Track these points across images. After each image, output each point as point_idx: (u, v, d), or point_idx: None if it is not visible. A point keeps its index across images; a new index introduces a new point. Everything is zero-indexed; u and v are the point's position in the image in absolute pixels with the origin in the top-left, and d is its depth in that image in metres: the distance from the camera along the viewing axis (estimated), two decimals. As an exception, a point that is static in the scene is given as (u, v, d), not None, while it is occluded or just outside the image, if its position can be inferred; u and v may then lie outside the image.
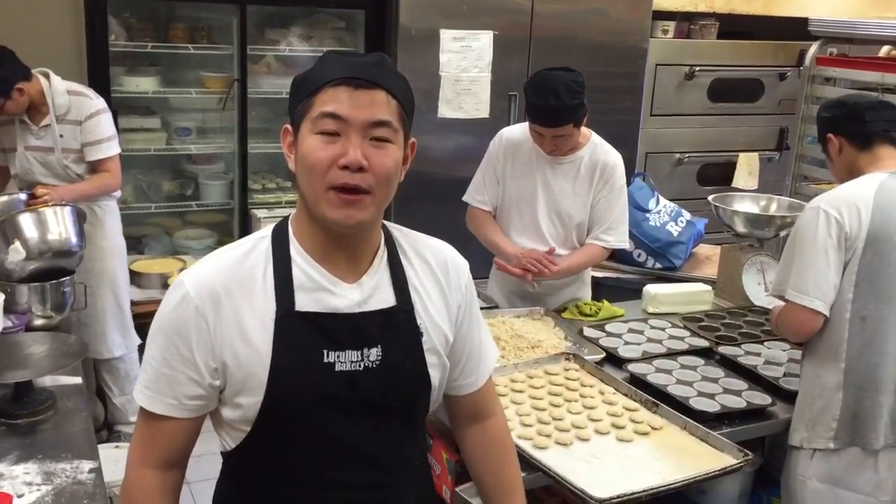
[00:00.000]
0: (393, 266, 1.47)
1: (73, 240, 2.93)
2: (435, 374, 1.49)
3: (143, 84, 4.19)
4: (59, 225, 2.91)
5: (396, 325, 1.44)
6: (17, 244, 2.74)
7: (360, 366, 1.40)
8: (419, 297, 1.48)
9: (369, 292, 1.43)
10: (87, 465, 1.94)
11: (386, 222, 1.51)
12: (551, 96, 2.69)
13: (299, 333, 1.37)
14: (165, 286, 3.99)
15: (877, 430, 2.22)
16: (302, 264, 1.40)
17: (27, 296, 2.65)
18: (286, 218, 1.46)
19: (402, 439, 1.50)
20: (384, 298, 1.44)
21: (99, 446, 2.13)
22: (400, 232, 1.53)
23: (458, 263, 1.56)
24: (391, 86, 1.35)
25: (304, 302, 1.38)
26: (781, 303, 2.33)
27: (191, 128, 4.48)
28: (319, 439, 1.40)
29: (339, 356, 1.39)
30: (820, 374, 2.29)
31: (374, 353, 1.41)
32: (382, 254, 1.46)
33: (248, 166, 4.47)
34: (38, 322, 2.67)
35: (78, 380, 2.35)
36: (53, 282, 2.69)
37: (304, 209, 1.41)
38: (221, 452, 1.51)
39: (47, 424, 2.13)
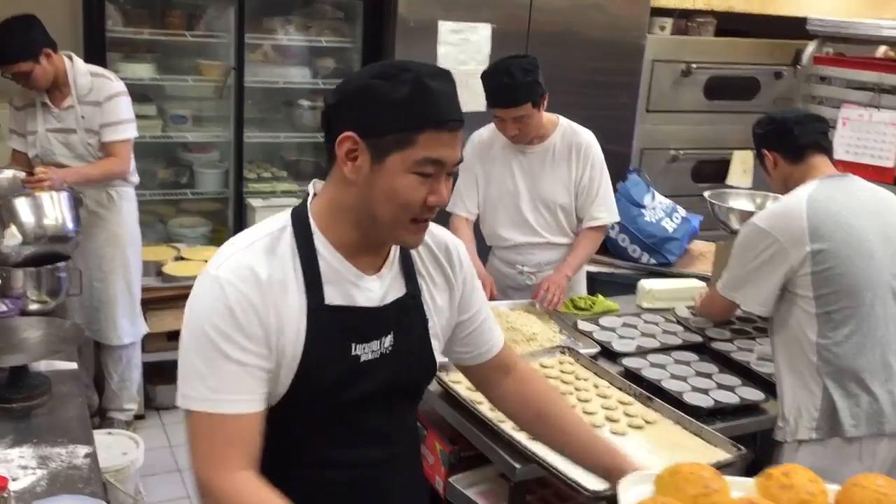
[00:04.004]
0: (404, 255, 1.51)
1: (69, 225, 2.92)
2: (438, 357, 1.56)
3: (139, 71, 4.17)
4: (56, 210, 2.89)
5: (407, 313, 1.48)
6: (13, 228, 2.73)
7: (378, 354, 1.44)
8: (425, 284, 1.53)
9: (389, 283, 1.47)
10: (82, 449, 1.94)
11: None
12: (504, 76, 2.76)
13: (329, 327, 1.39)
14: (159, 274, 3.98)
15: (857, 419, 2.27)
16: (328, 258, 1.40)
17: (22, 280, 2.64)
18: (303, 209, 1.43)
19: (405, 416, 1.59)
20: (398, 288, 1.48)
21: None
22: None
23: (457, 244, 1.61)
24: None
25: (332, 295, 1.40)
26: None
27: (187, 116, 4.46)
28: (332, 423, 1.44)
29: (364, 348, 1.42)
30: (795, 368, 2.36)
31: (388, 340, 1.46)
32: (396, 245, 1.50)
33: (244, 155, 4.46)
34: (33, 307, 2.65)
35: (73, 365, 2.34)
36: (49, 266, 2.68)
37: (339, 208, 1.40)
38: None
39: (42, 409, 2.12)
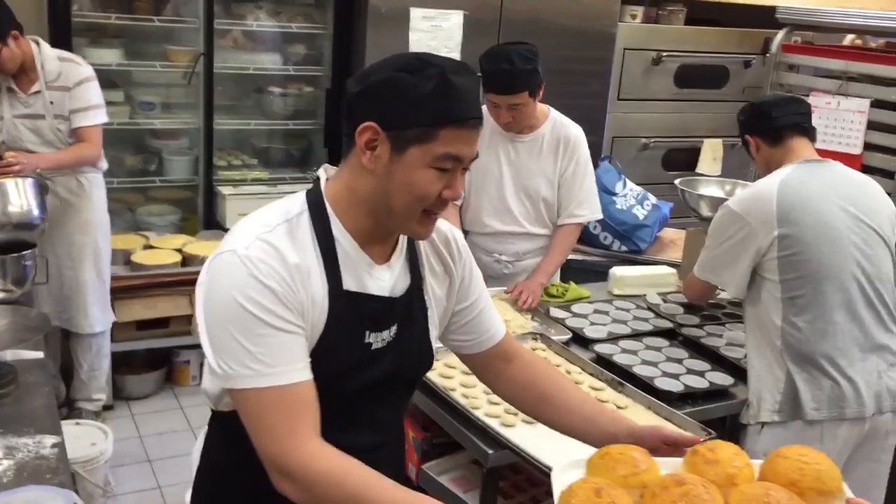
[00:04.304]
0: (410, 247, 1.52)
1: (35, 212, 2.87)
2: (435, 345, 1.59)
3: (106, 56, 4.10)
4: (21, 197, 2.85)
5: (410, 303, 1.51)
6: (-23, 216, 2.69)
7: (385, 342, 1.47)
8: (427, 275, 1.55)
9: (398, 273, 1.49)
10: (49, 439, 1.91)
11: None
12: (504, 62, 2.73)
13: (347, 312, 1.41)
14: (128, 262, 3.94)
15: (818, 403, 2.30)
16: (344, 244, 1.42)
17: (-13, 269, 2.60)
18: (317, 193, 1.43)
19: (401, 405, 1.63)
20: (405, 279, 1.51)
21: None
22: None
23: (456, 234, 1.62)
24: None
25: (349, 281, 1.42)
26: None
27: (155, 102, 4.40)
28: (337, 409, 1.43)
29: (376, 336, 1.45)
30: (762, 351, 2.39)
31: (394, 329, 1.48)
32: (404, 237, 1.51)
33: (214, 143, 4.41)
34: (-1, 296, 2.62)
35: (40, 354, 2.31)
36: (14, 255, 2.63)
37: (355, 195, 1.40)
38: (212, 409, 1.52)
39: (8, 399, 2.09)
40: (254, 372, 1.31)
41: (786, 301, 2.32)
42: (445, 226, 1.60)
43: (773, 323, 2.34)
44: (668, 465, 1.38)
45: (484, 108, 2.96)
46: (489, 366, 1.72)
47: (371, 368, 1.46)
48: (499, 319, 1.72)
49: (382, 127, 1.34)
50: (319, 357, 1.38)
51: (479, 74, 2.81)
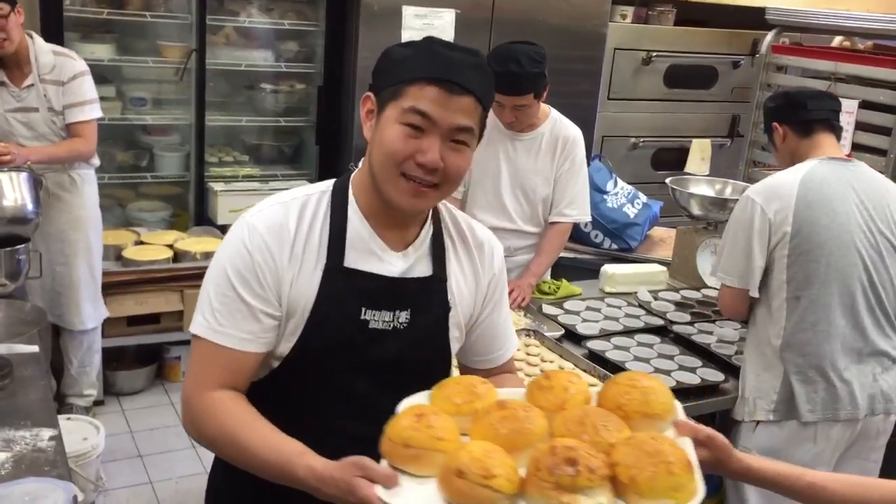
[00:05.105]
0: (436, 239, 1.53)
1: (29, 206, 2.87)
2: (454, 348, 1.58)
3: (98, 52, 4.09)
4: (15, 191, 2.84)
5: (429, 294, 1.51)
6: (-29, 210, 2.68)
7: (390, 326, 1.47)
8: (453, 273, 1.54)
9: (413, 262, 1.49)
10: (46, 432, 1.91)
11: None
12: (513, 63, 2.73)
13: (342, 288, 1.43)
14: (119, 258, 3.93)
15: (813, 404, 2.32)
16: (357, 225, 1.46)
17: (-20, 263, 2.60)
18: (346, 177, 1.50)
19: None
20: (423, 268, 1.51)
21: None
22: (446, 209, 1.58)
23: (494, 246, 1.62)
24: (479, 91, 1.39)
25: (352, 260, 1.44)
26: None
27: (146, 98, 4.39)
28: (337, 388, 1.45)
29: (374, 315, 1.46)
30: (761, 350, 2.40)
31: (404, 316, 1.48)
32: (429, 228, 1.52)
33: (205, 139, 4.40)
34: (-8, 290, 2.62)
35: (35, 348, 2.30)
36: (7, 249, 2.64)
37: (368, 176, 1.44)
38: None
39: (3, 392, 2.08)
40: (207, 324, 1.42)
41: (790, 300, 2.32)
42: (487, 234, 1.61)
43: (775, 322, 2.35)
44: (507, 395, 1.41)
45: None
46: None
47: (369, 348, 1.46)
48: (510, 348, 1.69)
49: (374, 94, 1.42)
50: (312, 329, 1.43)
51: (486, 57, 2.80)
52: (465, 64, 1.37)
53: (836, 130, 2.49)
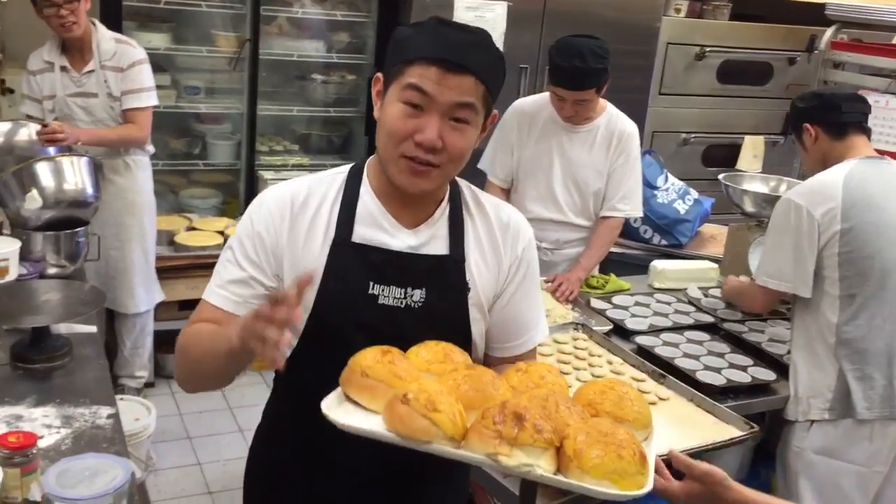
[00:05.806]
0: (453, 218, 1.51)
1: (89, 190, 2.93)
2: (476, 330, 1.52)
3: (154, 40, 4.16)
4: (76, 175, 2.90)
5: (444, 273, 1.48)
6: (34, 192, 2.74)
7: (402, 303, 1.46)
8: (472, 253, 1.51)
9: (425, 240, 1.48)
10: (105, 410, 1.96)
11: (459, 179, 1.55)
12: (577, 58, 2.72)
13: (350, 263, 1.45)
14: (171, 243, 4.00)
15: (870, 402, 2.29)
16: (368, 202, 1.48)
17: (42, 244, 2.66)
18: (364, 160, 1.53)
19: None
20: (438, 247, 1.49)
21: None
22: (469, 189, 1.57)
23: (521, 227, 1.58)
24: (481, 70, 1.38)
25: (361, 235, 1.46)
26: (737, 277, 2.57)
27: (200, 87, 4.46)
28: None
29: (383, 290, 1.45)
30: (814, 349, 2.38)
31: (418, 294, 1.47)
32: (445, 207, 1.51)
33: (257, 128, 4.46)
34: (52, 271, 2.67)
35: (93, 328, 2.36)
36: (68, 231, 2.70)
37: (378, 157, 1.47)
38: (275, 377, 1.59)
39: (63, 370, 2.14)
40: (209, 287, 1.49)
41: (843, 298, 2.31)
42: (516, 216, 1.58)
43: (827, 320, 2.33)
44: None
45: (543, 95, 2.98)
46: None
47: (382, 325, 1.44)
48: (529, 340, 1.60)
49: (383, 74, 1.44)
50: (322, 304, 1.44)
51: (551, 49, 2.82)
52: (468, 43, 1.38)
53: (867, 131, 2.49)
